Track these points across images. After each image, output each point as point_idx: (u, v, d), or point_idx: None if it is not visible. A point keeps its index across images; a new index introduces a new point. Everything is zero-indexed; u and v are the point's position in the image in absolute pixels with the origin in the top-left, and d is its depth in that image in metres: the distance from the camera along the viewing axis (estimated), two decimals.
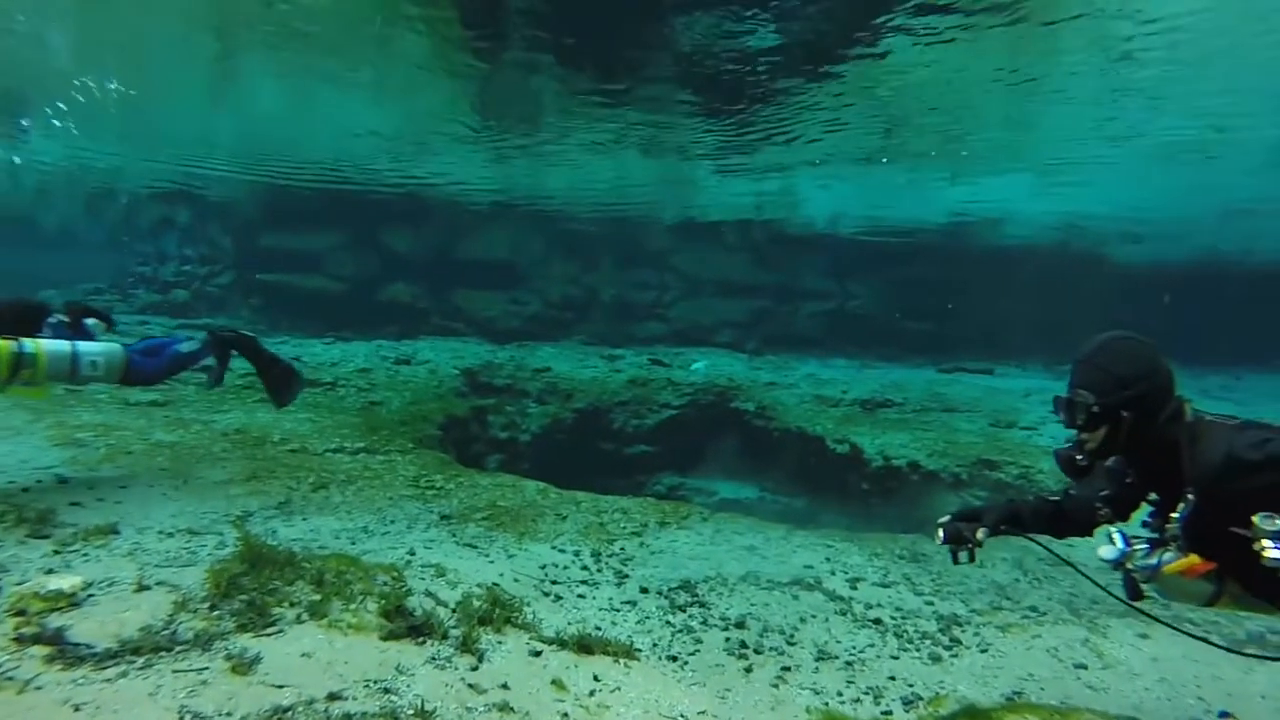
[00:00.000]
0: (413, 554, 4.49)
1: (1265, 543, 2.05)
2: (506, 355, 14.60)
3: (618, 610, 4.16)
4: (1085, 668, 3.71)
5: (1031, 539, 2.73)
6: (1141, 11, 9.72)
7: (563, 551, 5.03)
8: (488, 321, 17.50)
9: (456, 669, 2.95)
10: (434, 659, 2.97)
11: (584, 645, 3.29)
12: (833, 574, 5.09)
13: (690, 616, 4.14)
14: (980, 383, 16.10)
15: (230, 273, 18.16)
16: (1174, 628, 2.62)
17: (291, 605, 3.19)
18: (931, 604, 4.64)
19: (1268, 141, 14.85)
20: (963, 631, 4.16)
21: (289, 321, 15.70)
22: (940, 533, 2.70)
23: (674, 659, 3.53)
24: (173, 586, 3.30)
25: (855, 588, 4.86)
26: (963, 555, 2.67)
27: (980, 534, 2.60)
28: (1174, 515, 2.34)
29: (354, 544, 4.63)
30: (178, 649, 2.74)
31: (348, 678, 2.71)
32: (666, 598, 4.40)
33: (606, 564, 4.92)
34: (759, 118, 14.12)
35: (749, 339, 19.74)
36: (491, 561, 4.59)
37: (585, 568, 4.80)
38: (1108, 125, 13.98)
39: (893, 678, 3.50)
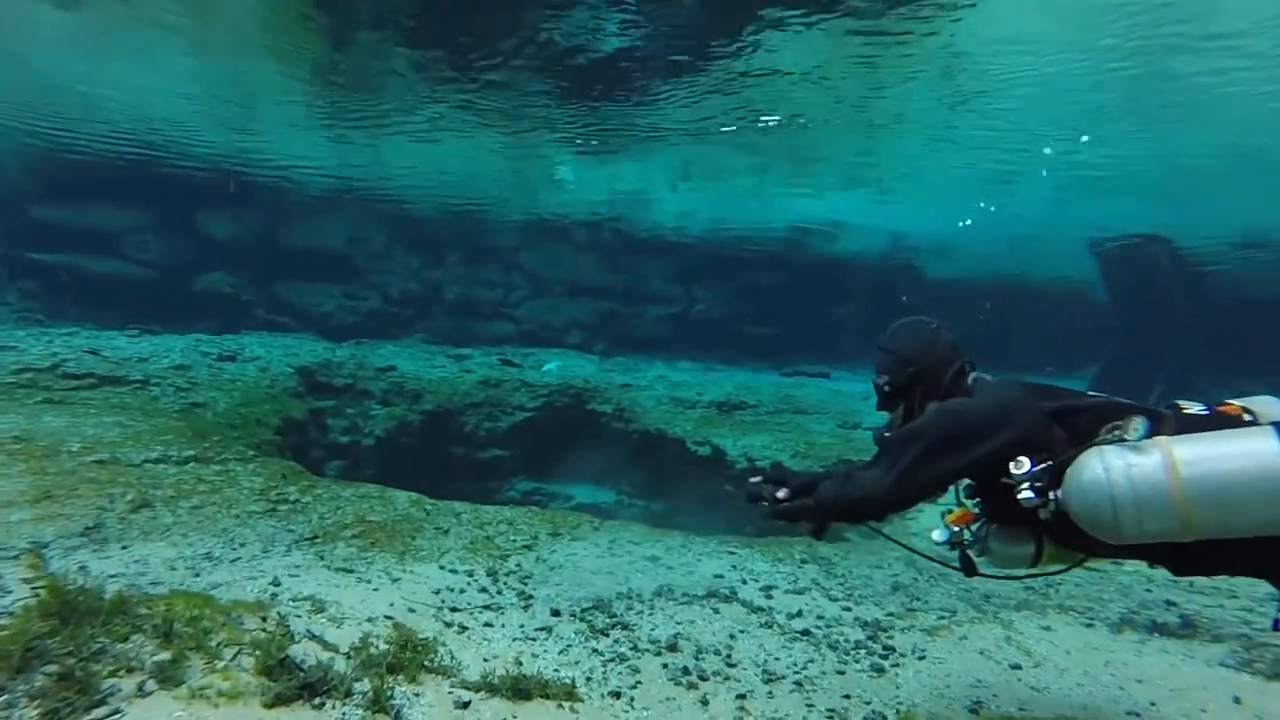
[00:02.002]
0: (277, 585, 3.70)
1: (1021, 487, 2.17)
2: (346, 353, 13.32)
3: (533, 639, 3.63)
4: (1020, 668, 3.69)
5: (869, 525, 2.58)
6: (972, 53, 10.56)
7: (454, 572, 4.39)
8: (321, 317, 15.95)
9: None
10: None
11: (519, 690, 2.75)
12: (744, 583, 4.85)
13: (616, 641, 3.69)
14: (822, 385, 16.84)
15: None
16: (900, 543, 2.73)
17: (130, 672, 2.39)
18: (849, 610, 4.51)
19: (1053, 173, 16.81)
20: (891, 638, 4.04)
21: (78, 310, 13.37)
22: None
23: (617, 695, 3.08)
24: None
25: (770, 597, 4.64)
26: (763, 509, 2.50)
27: (781, 493, 2.46)
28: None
29: (198, 577, 3.75)
30: None
31: None
32: (583, 620, 3.93)
33: (506, 584, 4.35)
34: (615, 114, 13.90)
35: (597, 340, 19.51)
36: (375, 589, 3.89)
37: (484, 590, 4.21)
38: (935, 150, 15.15)
39: (847, 696, 3.27)
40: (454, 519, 5.43)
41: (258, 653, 2.58)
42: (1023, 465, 2.17)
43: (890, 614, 4.48)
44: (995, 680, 3.52)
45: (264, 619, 3.06)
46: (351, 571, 4.12)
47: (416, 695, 2.63)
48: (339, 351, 13.37)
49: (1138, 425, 2.10)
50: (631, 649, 3.62)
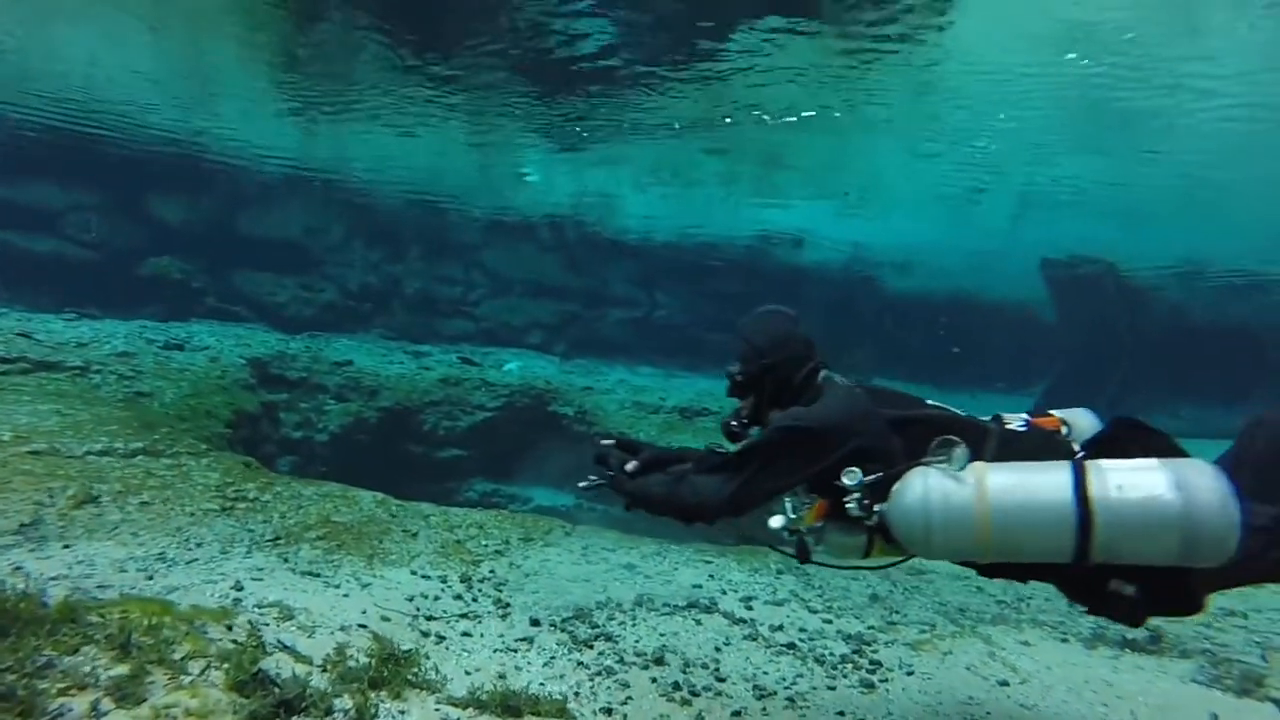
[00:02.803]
0: (240, 590, 3.45)
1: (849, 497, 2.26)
2: (301, 346, 12.87)
3: (515, 651, 3.46)
4: (1008, 684, 3.66)
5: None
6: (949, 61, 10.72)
7: (427, 578, 4.19)
8: (275, 308, 15.39)
9: None
10: None
11: (509, 707, 2.58)
12: (723, 593, 4.74)
13: (601, 654, 3.54)
14: None
15: None
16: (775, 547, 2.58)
17: (82, 689, 2.14)
18: (830, 622, 4.44)
19: (1016, 194, 17.24)
20: (876, 652, 3.98)
21: (8, 291, 12.63)
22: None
23: (609, 712, 2.93)
24: None
25: (751, 608, 4.54)
26: (592, 479, 2.61)
27: (630, 466, 2.56)
28: None
29: (151, 580, 3.47)
30: None
31: None
32: (565, 631, 3.77)
33: (481, 591, 4.17)
34: (587, 111, 13.75)
35: (558, 342, 19.29)
36: (345, 595, 3.67)
37: (459, 597, 4.01)
38: (903, 165, 15.39)
39: (841, 713, 3.17)
40: (422, 521, 5.21)
41: (227, 666, 2.37)
42: (854, 475, 2.24)
43: (871, 627, 4.43)
44: (986, 697, 3.48)
45: (229, 627, 2.83)
46: (318, 575, 3.89)
47: (402, 713, 2.44)
48: (293, 344, 12.90)
49: (960, 453, 2.16)
50: (618, 661, 3.47)
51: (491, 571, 4.50)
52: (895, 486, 2.22)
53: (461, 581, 4.23)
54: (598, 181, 17.99)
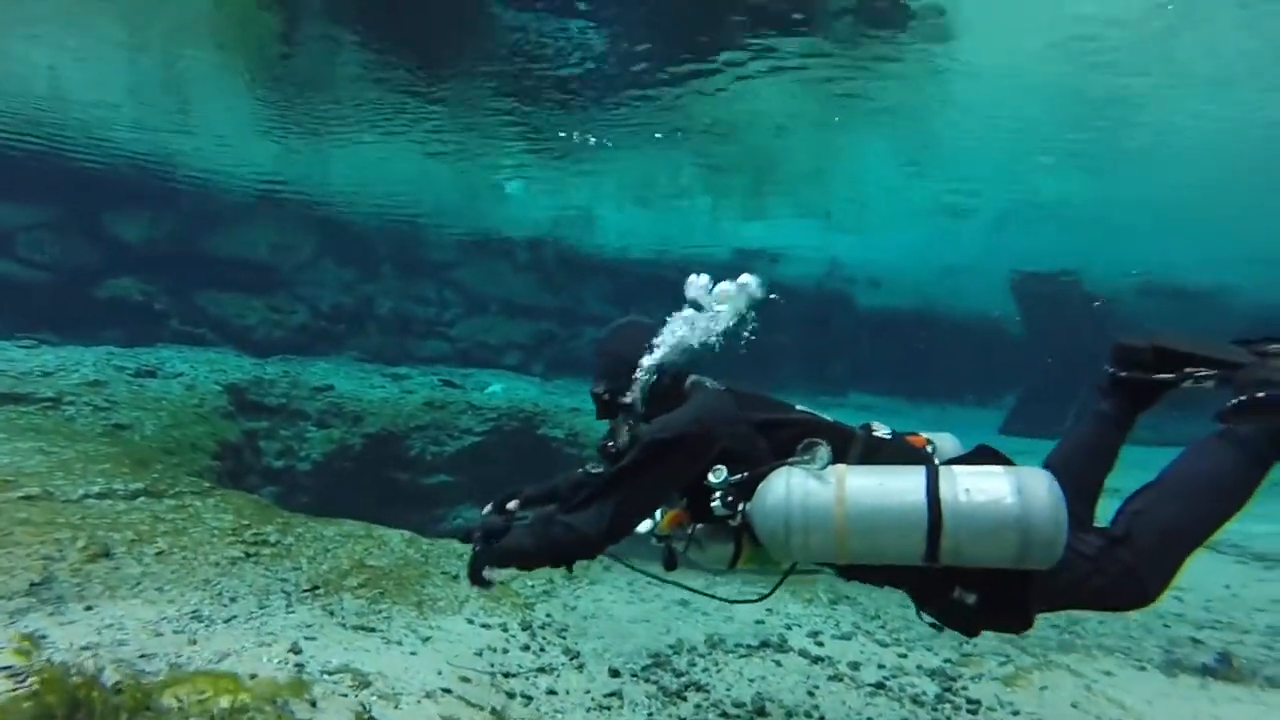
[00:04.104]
0: (298, 653, 3.07)
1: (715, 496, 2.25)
2: (278, 370, 12.28)
3: (608, 708, 3.15)
4: None
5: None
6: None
7: (486, 627, 3.84)
8: (244, 330, 14.70)
9: None
10: None
11: None
12: (788, 629, 4.49)
13: (699, 707, 3.25)
14: None
15: None
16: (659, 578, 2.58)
17: None
18: (905, 656, 4.23)
19: (993, 211, 17.54)
20: (966, 690, 3.78)
21: None
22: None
23: None
24: None
25: (821, 644, 4.30)
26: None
27: (512, 504, 2.53)
28: None
29: (194, 644, 3.06)
30: None
31: None
32: (650, 681, 3.47)
33: (545, 639, 3.84)
34: (571, 124, 13.52)
35: (535, 362, 18.92)
36: (413, 653, 3.31)
37: (527, 648, 3.68)
38: (886, 182, 15.52)
39: None
40: (458, 561, 4.84)
41: None
42: (720, 473, 2.25)
43: (949, 660, 4.22)
44: None
45: (313, 704, 2.47)
46: (373, 630, 3.52)
47: None
48: (269, 368, 12.31)
49: (823, 453, 2.19)
50: (720, 716, 3.19)
51: (549, 616, 4.18)
52: (759, 486, 2.23)
53: (523, 629, 3.90)
54: (576, 196, 17.75)
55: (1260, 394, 2.05)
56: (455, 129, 13.57)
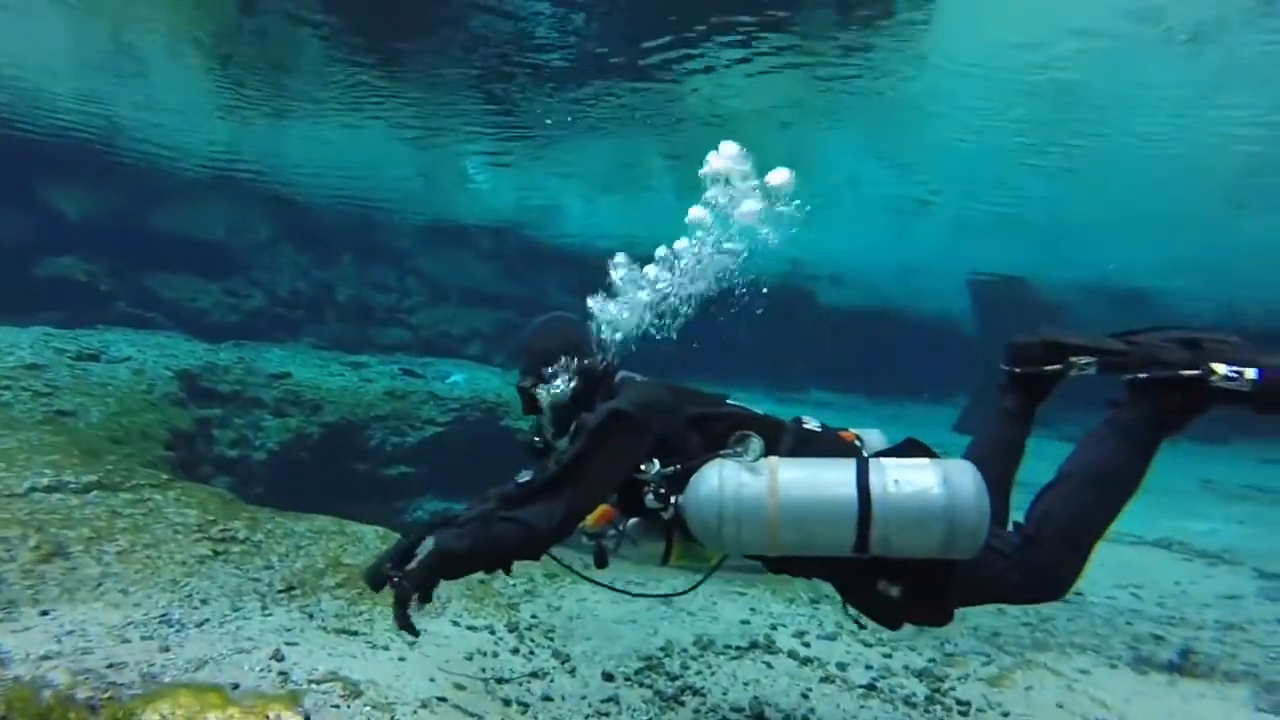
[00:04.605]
0: (280, 660, 2.90)
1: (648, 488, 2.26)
2: (231, 356, 11.82)
3: (606, 715, 3.06)
4: None
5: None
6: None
7: (473, 629, 3.71)
8: (197, 314, 14.15)
9: None
10: None
11: None
12: (774, 629, 4.45)
13: (698, 713, 3.19)
14: None
15: None
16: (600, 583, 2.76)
17: None
18: (890, 656, 4.23)
19: (955, 213, 17.85)
20: (954, 690, 3.80)
21: None
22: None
23: None
24: None
25: (808, 644, 4.27)
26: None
27: (388, 564, 2.13)
28: None
29: (167, 651, 2.87)
30: None
31: None
32: (645, 685, 3.39)
33: (535, 642, 3.72)
34: (538, 113, 13.30)
35: (497, 352, 18.65)
36: (400, 658, 3.16)
37: (516, 651, 3.56)
38: (852, 178, 15.64)
39: None
40: None
41: None
42: (652, 465, 2.27)
43: (933, 660, 4.24)
44: None
45: (307, 718, 2.33)
46: (356, 634, 3.36)
47: None
48: (222, 354, 11.85)
49: (755, 445, 2.21)
50: None
51: (534, 617, 4.06)
52: (692, 478, 2.23)
53: (510, 631, 3.78)
54: (542, 185, 17.50)
55: (1143, 374, 2.24)
56: (420, 112, 13.23)
